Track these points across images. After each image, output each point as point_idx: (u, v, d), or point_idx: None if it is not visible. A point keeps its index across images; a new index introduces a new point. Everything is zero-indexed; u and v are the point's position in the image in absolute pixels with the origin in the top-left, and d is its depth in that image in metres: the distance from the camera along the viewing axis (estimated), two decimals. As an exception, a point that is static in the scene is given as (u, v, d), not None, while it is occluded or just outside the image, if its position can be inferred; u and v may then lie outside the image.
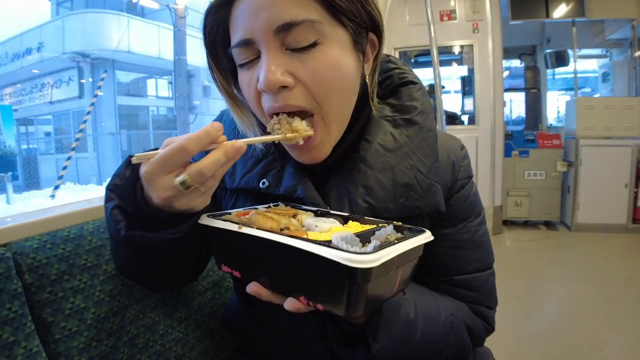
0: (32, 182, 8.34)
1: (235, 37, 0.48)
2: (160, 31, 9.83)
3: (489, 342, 0.72)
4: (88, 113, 8.17)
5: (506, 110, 5.61)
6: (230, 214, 0.50)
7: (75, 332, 0.60)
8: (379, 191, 0.54)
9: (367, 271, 0.34)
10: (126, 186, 0.46)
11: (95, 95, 8.78)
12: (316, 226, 0.46)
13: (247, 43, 0.47)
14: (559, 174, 3.76)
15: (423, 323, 0.52)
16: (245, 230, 0.42)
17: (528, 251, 3.32)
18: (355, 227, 0.47)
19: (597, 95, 5.52)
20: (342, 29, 0.48)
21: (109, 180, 0.49)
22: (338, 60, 0.48)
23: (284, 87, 0.47)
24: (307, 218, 0.48)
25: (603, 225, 3.58)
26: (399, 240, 0.41)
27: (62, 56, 9.27)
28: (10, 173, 6.73)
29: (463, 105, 4.28)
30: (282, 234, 0.40)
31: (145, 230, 0.46)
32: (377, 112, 0.59)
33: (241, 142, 0.43)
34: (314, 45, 0.46)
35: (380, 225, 0.47)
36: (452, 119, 3.87)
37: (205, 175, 0.41)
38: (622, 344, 1.88)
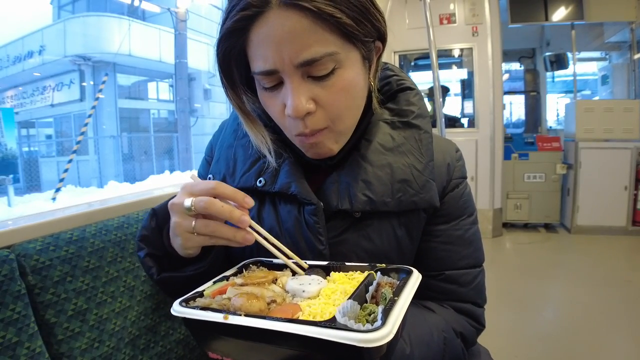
0: (33, 185, 8.34)
1: (257, 64, 0.49)
2: (161, 34, 9.84)
3: (490, 344, 0.73)
4: (89, 116, 8.17)
5: (506, 113, 5.63)
6: (202, 294, 0.45)
7: (78, 333, 0.61)
8: (378, 186, 0.56)
9: (381, 347, 0.34)
10: (153, 235, 0.56)
11: (97, 98, 8.79)
12: (303, 291, 0.44)
13: (270, 73, 0.49)
14: (558, 177, 3.76)
15: (419, 352, 0.53)
16: (234, 320, 0.38)
17: (528, 253, 3.32)
18: (340, 279, 0.47)
19: (596, 98, 5.53)
20: (355, 50, 0.51)
21: (137, 232, 0.59)
22: (353, 80, 0.51)
23: (308, 113, 0.50)
24: (288, 280, 0.47)
25: (602, 227, 3.58)
26: (394, 291, 0.41)
27: (64, 59, 9.28)
28: (11, 176, 6.73)
29: (463, 108, 4.29)
30: (277, 319, 0.37)
31: (173, 266, 0.54)
32: (376, 114, 0.61)
33: (248, 221, 0.46)
34: (332, 72, 0.49)
35: (367, 274, 0.47)
36: (452, 122, 3.87)
37: (206, 207, 0.45)
38: (622, 346, 1.88)
